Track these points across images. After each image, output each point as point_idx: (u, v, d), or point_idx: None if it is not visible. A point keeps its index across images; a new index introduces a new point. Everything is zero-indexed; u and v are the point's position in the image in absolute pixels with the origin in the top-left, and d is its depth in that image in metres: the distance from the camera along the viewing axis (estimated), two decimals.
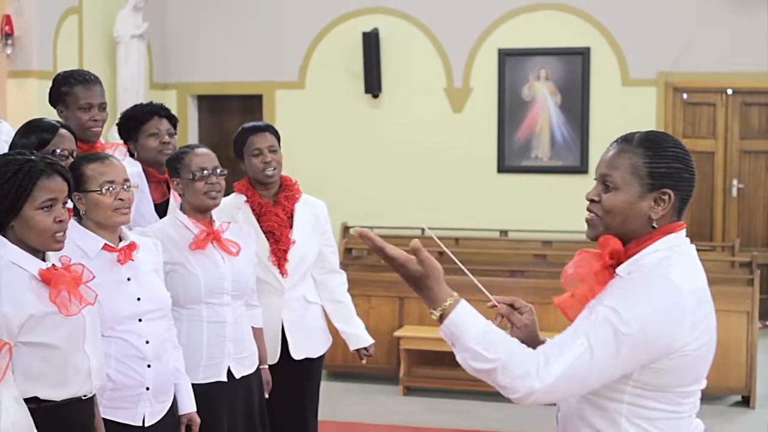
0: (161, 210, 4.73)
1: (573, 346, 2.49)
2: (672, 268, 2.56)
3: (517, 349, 2.52)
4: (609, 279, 2.66)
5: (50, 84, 4.84)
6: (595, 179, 2.74)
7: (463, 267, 2.86)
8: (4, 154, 3.46)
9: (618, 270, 2.64)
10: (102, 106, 4.73)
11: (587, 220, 2.73)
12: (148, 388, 3.78)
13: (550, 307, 3.20)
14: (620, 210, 2.65)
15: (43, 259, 3.24)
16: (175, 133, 4.87)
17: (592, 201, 2.70)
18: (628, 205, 2.64)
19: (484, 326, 2.52)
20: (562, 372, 2.46)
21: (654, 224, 2.64)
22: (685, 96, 11.30)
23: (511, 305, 2.94)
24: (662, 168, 2.62)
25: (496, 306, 2.95)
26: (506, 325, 2.91)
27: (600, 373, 2.49)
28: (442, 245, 2.81)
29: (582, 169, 11.25)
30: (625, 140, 2.69)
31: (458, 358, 2.54)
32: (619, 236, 2.68)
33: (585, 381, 2.51)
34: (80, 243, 3.64)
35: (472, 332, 2.50)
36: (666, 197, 2.63)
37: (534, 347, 2.63)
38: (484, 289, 2.91)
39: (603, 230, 2.69)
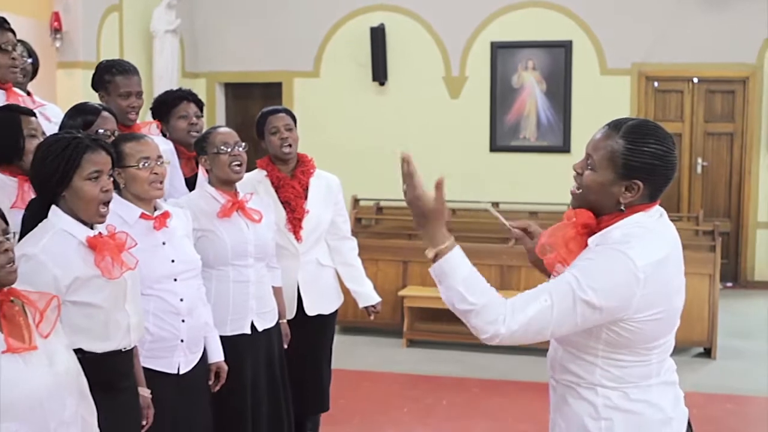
0: (191, 183, 4.73)
1: (538, 301, 2.53)
2: (631, 244, 2.56)
3: (493, 298, 2.55)
4: (581, 248, 2.67)
5: (93, 72, 4.84)
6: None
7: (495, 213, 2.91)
8: (54, 134, 3.46)
9: (589, 240, 2.66)
10: (139, 94, 4.73)
11: (571, 192, 2.74)
12: (182, 340, 3.80)
13: (537, 270, 3.19)
14: (593, 189, 2.65)
15: (91, 228, 3.23)
16: (202, 116, 4.87)
17: (576, 175, 2.71)
18: (601, 186, 2.64)
19: (471, 272, 2.55)
20: (524, 322, 2.51)
21: (622, 207, 2.63)
22: (656, 84, 11.31)
23: (524, 229, 3.00)
24: (637, 162, 2.59)
25: (511, 230, 3.02)
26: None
27: (557, 327, 2.55)
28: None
29: (565, 148, 11.29)
30: (614, 126, 2.66)
31: (442, 296, 2.58)
32: (592, 210, 2.69)
33: (542, 332, 2.55)
34: (120, 212, 3.64)
35: (460, 275, 2.53)
36: (636, 187, 2.61)
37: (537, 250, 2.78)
38: (501, 218, 2.97)
39: (577, 204, 2.71)
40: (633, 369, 2.66)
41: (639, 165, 2.59)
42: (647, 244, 2.58)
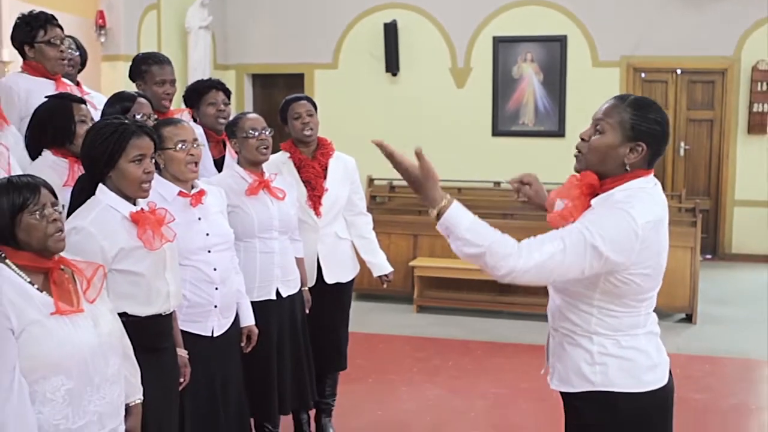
0: (218, 165, 4.74)
1: (552, 244, 2.56)
2: (633, 204, 2.61)
3: (500, 237, 2.57)
4: (586, 206, 2.71)
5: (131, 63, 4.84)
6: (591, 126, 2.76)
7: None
8: (103, 119, 3.46)
9: (592, 201, 2.69)
10: (172, 83, 4.73)
11: (575, 156, 2.78)
12: (216, 306, 3.80)
13: None
14: (601, 150, 2.69)
15: (134, 204, 3.24)
16: (229, 103, 4.86)
17: (582, 140, 2.74)
18: (609, 148, 2.68)
19: (473, 220, 2.58)
20: (539, 261, 2.54)
21: (627, 168, 2.68)
22: (643, 75, 11.27)
23: (520, 181, 3.06)
24: (643, 126, 2.67)
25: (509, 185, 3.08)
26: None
27: (566, 270, 2.59)
28: None
29: (560, 133, 11.28)
30: (621, 98, 2.74)
31: (453, 247, 2.59)
32: (596, 173, 2.72)
33: (552, 273, 2.58)
34: (160, 190, 3.64)
35: (463, 224, 2.55)
36: (639, 149, 2.67)
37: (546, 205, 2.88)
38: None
39: (584, 166, 2.73)
40: (624, 319, 2.72)
41: (645, 129, 2.66)
42: (646, 206, 2.64)
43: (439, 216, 2.56)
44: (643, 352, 2.74)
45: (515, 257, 2.52)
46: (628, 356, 2.72)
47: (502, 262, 2.53)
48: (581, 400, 2.78)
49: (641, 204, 2.62)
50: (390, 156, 2.58)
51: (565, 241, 2.55)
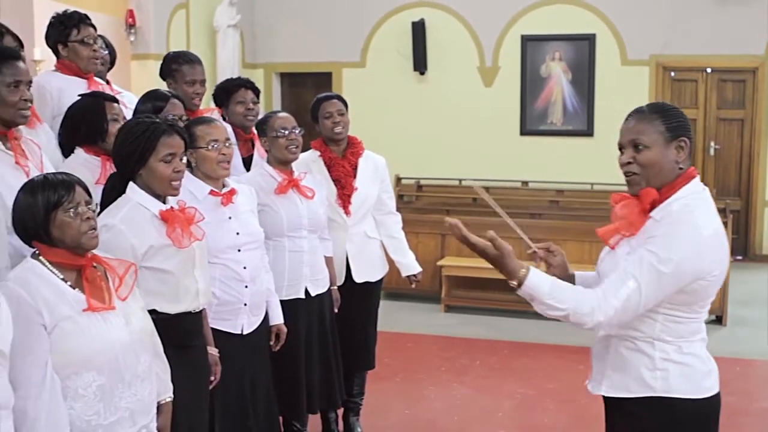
0: (247, 163, 4.75)
1: (626, 285, 2.62)
2: (695, 214, 2.66)
3: (580, 295, 2.66)
4: (645, 220, 2.74)
5: (161, 62, 4.87)
6: (620, 147, 2.79)
7: (509, 220, 2.93)
8: (134, 118, 3.48)
9: (652, 213, 2.72)
10: (202, 82, 4.76)
11: (628, 181, 2.79)
12: (245, 304, 3.81)
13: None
14: (655, 162, 2.72)
15: (164, 202, 3.25)
16: (258, 102, 4.87)
17: (628, 164, 2.75)
18: (661, 156, 2.71)
19: (551, 284, 2.65)
20: (619, 306, 2.62)
21: (680, 167, 2.72)
22: (672, 74, 11.16)
23: (547, 249, 3.03)
24: (675, 123, 2.72)
25: (535, 252, 3.03)
26: (543, 265, 3.01)
27: (646, 303, 2.63)
28: (492, 203, 2.94)
29: (588, 132, 11.21)
30: (639, 111, 2.77)
31: (537, 310, 2.70)
32: (654, 186, 2.74)
33: (636, 310, 2.65)
34: (191, 189, 3.66)
35: (544, 291, 2.64)
36: (683, 144, 2.72)
37: (567, 279, 2.89)
38: (526, 238, 2.99)
39: (645, 184, 2.74)
40: (688, 325, 2.74)
41: (677, 124, 2.72)
42: (707, 213, 2.70)
43: (519, 285, 2.64)
44: (701, 358, 2.78)
45: (597, 312, 2.62)
46: (688, 362, 2.74)
47: (586, 318, 2.63)
48: (640, 406, 2.77)
49: (702, 212, 2.68)
50: (464, 239, 2.63)
51: (638, 279, 2.61)
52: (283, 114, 4.43)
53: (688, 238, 2.61)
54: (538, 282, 2.63)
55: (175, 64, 4.74)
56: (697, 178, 2.76)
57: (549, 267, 3.03)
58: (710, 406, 2.79)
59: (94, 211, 2.74)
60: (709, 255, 2.64)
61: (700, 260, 2.62)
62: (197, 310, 3.39)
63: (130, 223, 3.12)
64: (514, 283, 2.64)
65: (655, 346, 2.74)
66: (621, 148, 2.78)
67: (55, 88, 4.29)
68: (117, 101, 3.75)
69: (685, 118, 2.77)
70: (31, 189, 2.68)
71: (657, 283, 2.60)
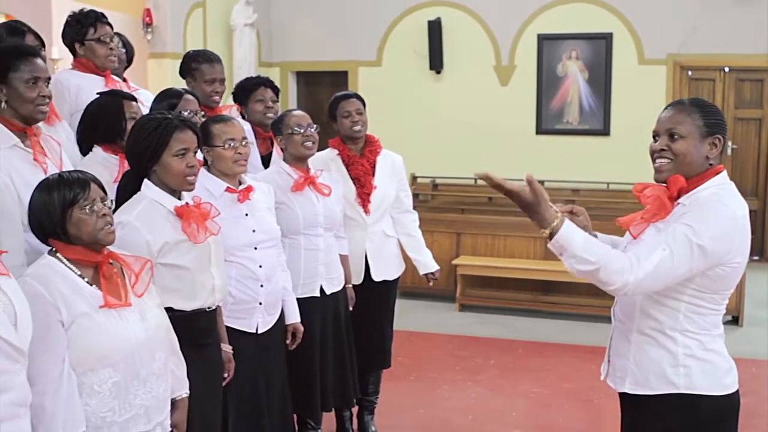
0: (265, 161, 4.76)
1: (657, 251, 2.61)
2: (725, 199, 2.71)
3: (613, 253, 2.63)
4: (671, 208, 2.77)
5: (181, 60, 4.89)
6: (654, 135, 2.82)
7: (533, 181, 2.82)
8: (147, 114, 3.50)
9: (680, 200, 2.76)
10: (222, 81, 4.78)
11: (657, 168, 2.82)
12: (261, 303, 3.81)
13: None
14: (688, 152, 2.76)
15: (179, 198, 3.26)
16: (278, 100, 4.89)
17: (662, 150, 2.78)
18: (694, 148, 2.75)
19: (585, 237, 2.64)
20: (650, 270, 2.60)
21: (711, 162, 2.77)
22: (690, 73, 11.10)
23: (570, 212, 2.98)
24: (713, 120, 2.77)
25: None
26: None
27: (676, 273, 2.62)
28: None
29: (605, 131, 11.17)
30: (680, 103, 2.82)
31: (566, 265, 2.65)
32: (683, 176, 2.79)
33: (665, 278, 2.63)
34: (208, 186, 3.67)
35: (577, 242, 2.60)
36: (717, 141, 2.76)
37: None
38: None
39: (674, 171, 2.77)
40: (709, 317, 2.76)
41: (715, 122, 2.77)
42: (736, 200, 2.74)
43: (552, 235, 2.60)
44: (721, 355, 2.79)
45: (627, 272, 2.59)
46: (710, 359, 2.76)
47: (615, 276, 2.59)
48: (663, 404, 2.78)
49: (731, 198, 2.72)
50: (498, 186, 2.61)
51: (671, 246, 2.61)
52: (298, 112, 4.44)
53: (721, 218, 2.65)
54: (571, 232, 2.60)
55: (195, 63, 4.77)
56: (725, 172, 2.80)
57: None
58: (731, 404, 2.80)
59: (109, 208, 2.75)
60: (738, 237, 2.67)
61: (730, 240, 2.65)
62: (213, 307, 3.39)
63: (144, 219, 3.13)
64: (547, 231, 2.60)
65: (678, 342, 2.74)
66: (656, 135, 2.82)
67: (74, 86, 4.32)
68: (135, 99, 3.76)
69: (723, 117, 2.81)
70: (46, 187, 2.69)
71: (689, 254, 2.60)
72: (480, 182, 11.01)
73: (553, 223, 2.59)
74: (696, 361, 2.74)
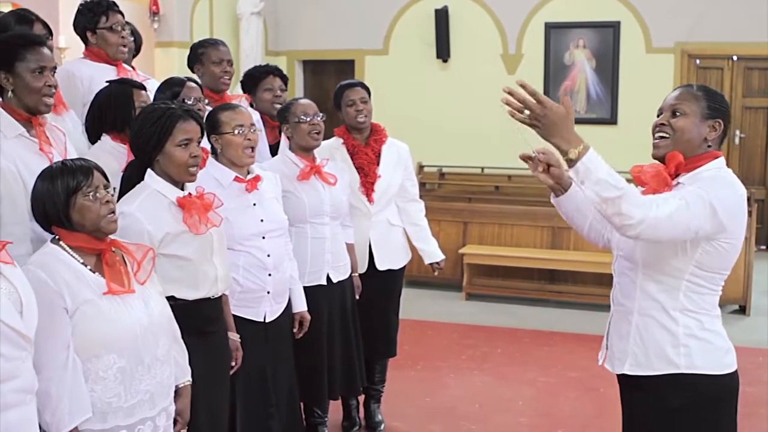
0: (274, 150, 4.77)
1: (674, 200, 2.65)
2: (727, 179, 2.77)
3: (634, 188, 2.66)
4: (671, 184, 2.81)
5: (188, 52, 4.91)
6: (659, 115, 2.87)
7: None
8: (151, 104, 3.49)
9: (680, 179, 2.80)
10: (230, 62, 4.79)
11: (656, 143, 2.86)
12: (268, 292, 3.82)
13: None
14: (687, 129, 2.80)
15: (182, 189, 3.26)
16: (286, 89, 4.89)
17: (662, 125, 2.83)
18: (694, 126, 2.80)
19: (608, 167, 2.60)
20: (669, 213, 2.60)
21: (708, 144, 2.81)
22: (697, 61, 11.05)
23: (547, 164, 2.94)
24: (716, 105, 2.83)
25: (531, 158, 2.96)
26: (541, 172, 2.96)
27: (689, 223, 2.63)
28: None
29: (612, 120, 11.14)
30: (687, 86, 2.88)
31: (588, 193, 2.60)
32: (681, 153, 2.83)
33: (678, 226, 2.62)
34: (216, 175, 3.68)
35: (602, 167, 2.58)
36: (717, 125, 2.82)
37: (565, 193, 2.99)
38: (531, 146, 2.93)
39: (672, 147, 2.81)
40: (707, 297, 2.80)
41: (718, 107, 2.83)
42: (735, 181, 2.79)
43: (579, 156, 2.57)
44: (720, 335, 2.83)
45: (648, 206, 2.59)
46: (709, 339, 2.80)
47: (636, 209, 2.57)
48: (663, 384, 2.81)
49: (731, 179, 2.78)
50: (533, 93, 2.62)
51: (686, 198, 2.64)
52: (305, 100, 4.42)
53: (729, 189, 2.72)
54: (597, 157, 2.58)
55: (201, 48, 4.80)
56: (723, 158, 2.84)
57: (546, 173, 2.96)
58: (731, 383, 2.84)
59: (112, 196, 2.76)
60: (741, 212, 2.74)
61: (736, 213, 2.71)
62: (216, 296, 3.39)
63: (146, 210, 3.14)
64: (575, 152, 2.57)
65: (678, 322, 2.78)
66: (660, 113, 2.87)
67: (86, 76, 4.32)
68: (145, 88, 3.75)
69: (728, 106, 2.87)
70: (50, 175, 2.70)
71: (703, 208, 2.63)
72: (487, 171, 11.10)
73: (579, 146, 2.57)
74: (696, 341, 2.78)
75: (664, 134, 2.83)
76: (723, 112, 2.83)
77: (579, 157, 2.57)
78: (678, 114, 2.81)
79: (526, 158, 2.96)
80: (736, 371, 2.86)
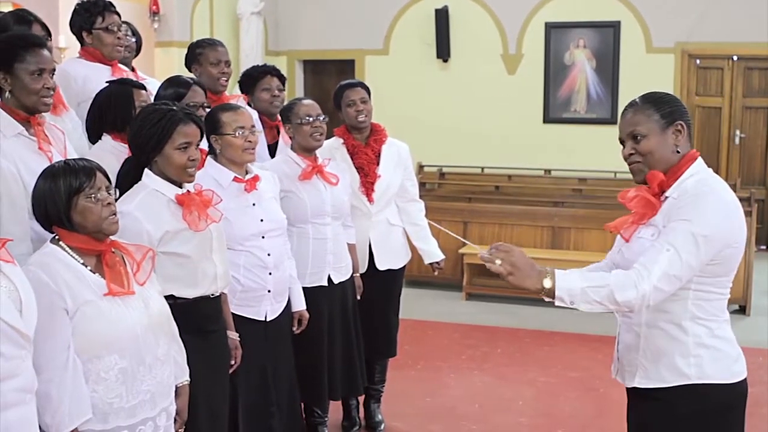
0: (272, 150, 4.77)
1: (662, 255, 2.60)
2: (713, 185, 2.72)
3: (614, 274, 2.62)
4: (658, 205, 2.76)
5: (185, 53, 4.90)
6: (621, 141, 2.84)
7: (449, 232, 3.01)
8: (151, 104, 3.47)
9: (667, 194, 2.75)
10: (227, 63, 4.79)
11: (632, 170, 2.82)
12: (269, 291, 3.83)
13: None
14: (655, 149, 2.76)
15: (180, 187, 3.25)
16: (284, 89, 4.89)
17: (630, 155, 2.79)
18: (658, 143, 2.75)
19: (581, 276, 2.64)
20: (661, 274, 2.57)
21: (678, 150, 2.75)
22: (698, 61, 11.05)
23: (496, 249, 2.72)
24: (668, 109, 2.76)
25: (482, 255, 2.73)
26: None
27: (689, 267, 2.61)
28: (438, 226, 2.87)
29: (612, 120, 11.08)
30: (632, 105, 2.82)
31: (581, 308, 2.62)
32: (659, 170, 2.78)
33: (680, 277, 2.61)
34: (215, 175, 3.68)
35: (578, 287, 2.60)
36: (681, 127, 2.75)
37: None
38: (473, 244, 2.97)
39: (648, 171, 2.77)
40: (716, 302, 2.75)
41: (671, 110, 2.76)
42: (722, 185, 2.75)
43: (553, 286, 2.59)
44: (730, 342, 2.79)
45: (639, 282, 2.56)
46: (719, 346, 2.75)
47: (630, 292, 2.56)
48: (674, 394, 2.76)
49: (716, 183, 2.74)
50: (490, 255, 2.63)
51: (674, 245, 2.59)
52: (308, 101, 4.42)
53: (715, 204, 2.66)
54: (567, 281, 2.59)
55: (199, 49, 4.80)
56: (700, 159, 2.80)
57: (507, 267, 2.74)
58: (740, 391, 2.80)
59: (113, 196, 2.76)
60: (736, 220, 2.69)
61: (729, 224, 2.66)
62: (215, 295, 3.39)
63: (145, 209, 3.14)
64: (549, 282, 2.59)
65: (688, 331, 2.73)
66: (622, 142, 2.83)
67: (80, 75, 4.32)
68: (145, 88, 3.75)
69: (679, 103, 2.81)
70: (52, 175, 2.70)
71: (695, 248, 2.59)
72: (487, 171, 11.07)
73: (546, 287, 2.59)
74: (706, 350, 2.73)
75: (637, 160, 2.78)
76: (678, 112, 2.77)
77: (553, 285, 2.58)
78: (639, 137, 2.76)
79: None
80: (745, 379, 2.81)
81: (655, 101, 2.78)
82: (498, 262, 2.61)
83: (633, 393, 2.92)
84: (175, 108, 3.26)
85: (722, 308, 2.79)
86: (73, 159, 2.81)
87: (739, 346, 2.84)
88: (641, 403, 2.89)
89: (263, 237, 3.79)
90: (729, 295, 2.81)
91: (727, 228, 2.66)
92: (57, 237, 2.71)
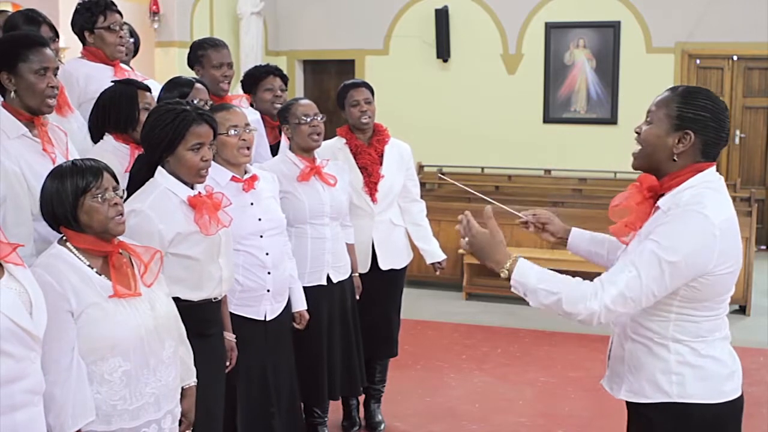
0: (274, 150, 4.77)
1: (623, 274, 2.51)
2: (704, 204, 2.51)
3: (572, 282, 2.56)
4: (650, 209, 2.65)
5: (188, 51, 4.90)
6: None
7: (486, 197, 2.95)
8: (164, 104, 3.44)
9: (659, 203, 2.61)
10: (230, 65, 4.79)
11: (633, 154, 2.70)
12: (268, 290, 3.84)
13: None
14: (650, 141, 2.62)
15: (191, 188, 3.26)
16: (286, 89, 4.89)
17: (636, 133, 2.68)
18: (656, 137, 2.60)
19: (541, 271, 2.59)
20: (616, 294, 2.48)
21: (674, 158, 2.58)
22: (698, 61, 11.05)
23: (539, 222, 3.03)
24: (689, 113, 2.56)
25: (526, 222, 3.09)
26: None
27: (649, 293, 2.49)
28: (457, 183, 2.91)
29: (612, 120, 11.15)
30: (673, 89, 2.64)
31: (532, 303, 2.59)
32: (651, 170, 2.65)
33: (638, 300, 2.50)
34: (213, 175, 3.65)
35: (534, 277, 2.56)
36: (688, 137, 2.56)
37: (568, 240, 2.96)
38: (511, 209, 3.02)
39: (641, 160, 2.67)
40: (704, 324, 2.61)
41: (691, 116, 2.56)
42: (718, 203, 2.55)
43: (510, 277, 2.58)
44: (720, 361, 2.63)
45: (591, 298, 2.49)
46: (706, 366, 2.61)
47: (580, 306, 2.49)
48: (656, 411, 2.66)
49: (712, 201, 2.53)
50: (463, 221, 2.65)
51: (637, 266, 2.48)
52: (306, 101, 4.43)
53: (697, 229, 2.48)
54: (527, 269, 2.57)
55: (201, 50, 4.79)
56: (712, 169, 2.62)
57: (545, 232, 3.06)
58: (731, 410, 2.66)
59: (121, 197, 2.76)
60: (718, 246, 2.49)
61: (708, 252, 2.48)
62: (218, 298, 3.41)
63: (158, 208, 3.14)
64: (504, 274, 2.58)
65: (670, 349, 2.61)
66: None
67: (83, 75, 4.32)
68: (149, 90, 3.75)
69: (712, 115, 2.57)
70: (59, 175, 2.70)
71: (659, 273, 2.46)
72: (487, 171, 11.07)
73: (508, 263, 2.57)
74: (690, 369, 2.60)
75: (637, 142, 2.67)
76: (698, 122, 2.55)
77: (510, 274, 2.57)
78: (648, 122, 2.63)
79: (523, 224, 3.01)
80: (739, 397, 2.67)
81: (687, 96, 2.59)
82: (464, 240, 2.64)
83: (627, 404, 2.84)
84: (188, 108, 3.26)
85: (713, 328, 2.63)
86: (81, 159, 2.81)
87: (736, 345, 2.71)
88: (631, 415, 2.84)
89: (261, 236, 3.79)
90: (725, 312, 2.67)
91: (703, 257, 2.48)
92: (64, 238, 2.72)
